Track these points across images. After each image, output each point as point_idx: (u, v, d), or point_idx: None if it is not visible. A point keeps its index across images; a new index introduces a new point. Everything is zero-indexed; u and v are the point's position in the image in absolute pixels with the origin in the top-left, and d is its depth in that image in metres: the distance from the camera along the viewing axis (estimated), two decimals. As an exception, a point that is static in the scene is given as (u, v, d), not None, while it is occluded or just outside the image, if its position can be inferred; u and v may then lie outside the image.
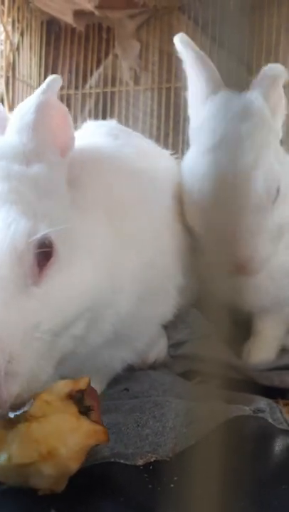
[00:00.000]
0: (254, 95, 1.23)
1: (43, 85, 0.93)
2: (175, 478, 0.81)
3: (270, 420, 0.97)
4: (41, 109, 0.90)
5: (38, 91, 0.93)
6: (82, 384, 0.80)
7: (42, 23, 2.52)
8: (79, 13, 2.40)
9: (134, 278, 0.98)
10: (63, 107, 0.96)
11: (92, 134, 1.25)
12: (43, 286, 0.78)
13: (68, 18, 2.42)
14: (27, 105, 0.92)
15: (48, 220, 0.80)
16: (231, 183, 1.11)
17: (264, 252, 1.13)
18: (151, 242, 1.05)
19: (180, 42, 1.26)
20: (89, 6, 2.28)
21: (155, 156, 1.29)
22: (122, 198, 1.01)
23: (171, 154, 1.43)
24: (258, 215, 1.12)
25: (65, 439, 0.74)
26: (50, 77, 0.94)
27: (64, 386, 0.80)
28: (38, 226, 0.78)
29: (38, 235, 0.77)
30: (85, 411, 0.79)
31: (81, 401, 0.80)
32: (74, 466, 0.75)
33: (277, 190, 1.15)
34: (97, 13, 2.32)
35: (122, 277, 0.94)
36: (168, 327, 1.36)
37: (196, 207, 1.19)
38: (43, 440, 0.73)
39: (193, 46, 1.26)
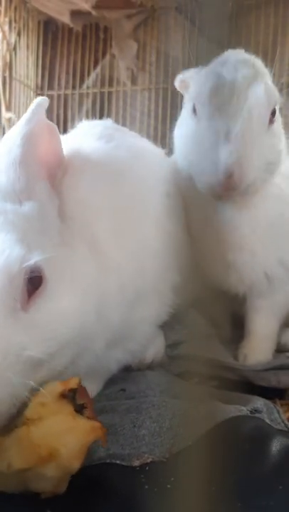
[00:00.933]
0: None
1: (29, 113, 0.91)
2: (172, 479, 0.81)
3: (268, 421, 0.97)
4: (27, 140, 0.89)
5: (23, 120, 0.91)
6: (73, 383, 0.80)
7: (39, 23, 2.52)
8: (76, 13, 2.40)
9: (121, 289, 0.98)
10: (52, 126, 0.95)
11: (86, 135, 1.24)
12: (31, 312, 0.78)
13: (65, 18, 2.41)
14: (13, 138, 0.90)
15: (39, 251, 0.81)
16: (230, 89, 1.11)
17: (252, 167, 1.08)
18: (140, 249, 1.05)
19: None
20: (86, 6, 2.27)
21: (150, 155, 1.28)
22: (107, 213, 1.00)
23: (166, 153, 1.42)
24: (254, 124, 1.10)
25: (64, 439, 0.74)
26: (36, 102, 0.92)
27: (56, 387, 0.79)
28: (30, 254, 0.80)
29: (30, 262, 0.79)
30: (79, 409, 0.79)
31: (74, 400, 0.80)
32: (75, 464, 0.74)
33: (274, 113, 1.15)
34: (94, 13, 2.32)
35: (108, 297, 0.94)
36: (165, 327, 1.36)
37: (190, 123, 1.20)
38: (43, 442, 0.73)
39: None
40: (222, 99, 1.11)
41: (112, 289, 0.95)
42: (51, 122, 0.95)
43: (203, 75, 1.21)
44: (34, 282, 0.79)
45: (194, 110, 1.18)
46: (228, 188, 1.07)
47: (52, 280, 0.81)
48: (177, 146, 1.29)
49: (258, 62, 1.24)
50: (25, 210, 0.87)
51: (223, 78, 1.13)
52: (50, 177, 0.93)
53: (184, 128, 1.26)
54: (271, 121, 1.16)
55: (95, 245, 0.94)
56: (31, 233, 0.84)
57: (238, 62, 1.18)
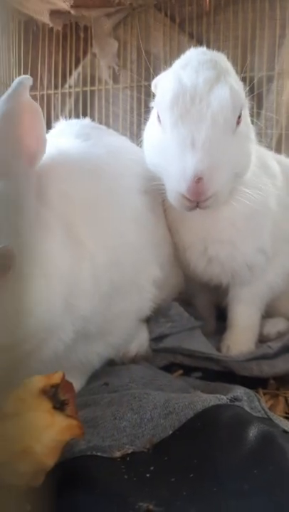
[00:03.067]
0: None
1: (9, 91, 0.90)
2: (151, 468, 0.82)
3: (247, 408, 0.98)
4: (7, 118, 0.88)
5: (4, 97, 0.90)
6: (55, 378, 0.81)
7: (19, 23, 2.51)
8: (55, 13, 2.40)
9: (96, 282, 0.98)
10: (35, 107, 0.93)
11: (63, 134, 1.24)
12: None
13: (45, 18, 2.41)
14: None
15: (9, 231, 0.81)
16: (192, 95, 1.07)
17: (220, 173, 1.06)
18: (115, 243, 1.05)
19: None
20: (64, 6, 2.27)
21: (127, 153, 1.29)
22: (84, 205, 1.01)
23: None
24: (219, 130, 1.07)
25: (39, 436, 0.75)
26: (17, 80, 0.90)
27: (38, 381, 0.80)
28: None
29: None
30: (59, 406, 0.80)
31: (55, 396, 0.80)
32: (50, 462, 0.75)
33: (240, 116, 1.12)
34: (73, 12, 2.32)
35: (81, 287, 0.95)
36: (149, 321, 1.37)
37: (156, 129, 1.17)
38: (17, 438, 0.73)
39: None
40: (184, 106, 1.07)
41: (85, 279, 0.95)
42: (35, 103, 0.93)
43: (165, 80, 1.16)
44: (3, 264, 0.79)
45: (158, 118, 1.15)
46: (198, 195, 1.04)
47: (21, 262, 0.81)
48: (145, 153, 1.25)
49: (222, 61, 1.19)
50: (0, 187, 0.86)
51: (184, 83, 1.10)
52: (29, 157, 0.91)
53: (150, 136, 1.23)
54: (238, 122, 1.12)
55: (71, 234, 0.94)
56: (4, 213, 0.83)
57: (200, 63, 1.14)
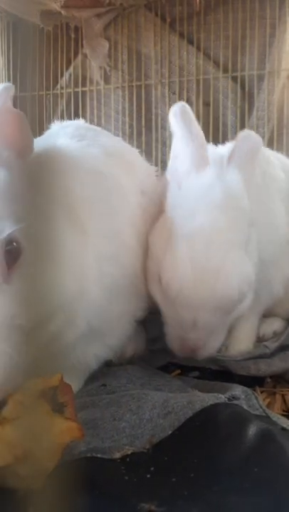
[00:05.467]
0: (233, 176, 1.17)
1: None
2: (152, 469, 0.82)
3: (245, 407, 0.99)
4: None
5: None
6: (54, 381, 0.81)
7: (8, 24, 2.50)
8: (46, 14, 2.40)
9: (100, 272, 1.00)
10: (18, 113, 0.95)
11: (58, 135, 1.24)
12: (14, 284, 0.79)
13: (35, 19, 2.40)
14: None
15: (12, 220, 0.80)
16: (199, 278, 1.07)
17: (215, 344, 1.16)
18: (112, 239, 1.06)
19: (173, 115, 1.20)
20: (55, 6, 2.27)
21: (122, 153, 1.29)
22: (86, 200, 1.02)
23: (140, 152, 1.43)
24: (220, 316, 1.12)
25: (39, 439, 0.74)
26: (1, 86, 0.94)
27: (36, 384, 0.80)
28: (2, 226, 0.79)
29: (4, 234, 0.78)
30: (58, 408, 0.80)
31: (54, 398, 0.80)
32: (50, 465, 0.75)
33: (246, 293, 1.13)
34: (63, 12, 2.31)
35: (88, 272, 0.96)
36: (146, 321, 1.37)
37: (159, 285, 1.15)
38: (18, 442, 0.73)
39: (186, 120, 1.20)
40: (188, 287, 1.07)
41: (90, 265, 0.97)
42: (18, 110, 0.96)
43: (174, 258, 1.11)
44: (13, 252, 0.79)
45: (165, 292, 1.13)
46: (191, 356, 1.15)
47: (29, 249, 0.81)
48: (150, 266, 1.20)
49: (239, 209, 1.13)
50: None
51: (195, 262, 1.07)
52: (18, 151, 0.93)
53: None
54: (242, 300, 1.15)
55: (75, 224, 0.95)
56: (1, 201, 0.83)
57: (213, 232, 1.08)
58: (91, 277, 0.97)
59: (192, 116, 1.21)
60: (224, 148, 1.46)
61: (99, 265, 0.99)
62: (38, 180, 0.95)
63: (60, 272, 0.87)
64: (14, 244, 0.80)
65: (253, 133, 1.23)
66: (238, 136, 1.23)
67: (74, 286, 0.91)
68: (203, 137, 1.21)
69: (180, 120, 1.19)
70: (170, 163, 1.27)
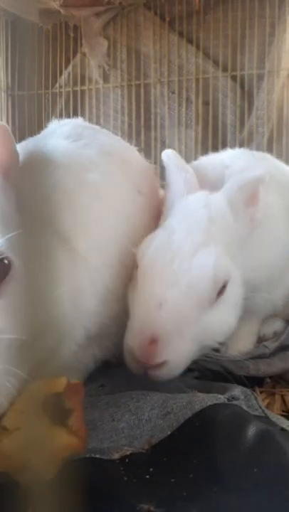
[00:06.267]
0: (219, 201, 1.17)
1: None
2: (151, 470, 0.82)
3: (245, 407, 0.98)
4: None
5: None
6: (58, 386, 0.78)
7: (7, 23, 2.50)
8: (45, 12, 2.39)
9: (92, 282, 1.00)
10: (2, 127, 0.94)
11: (53, 134, 1.23)
12: (5, 298, 0.79)
13: (34, 18, 2.40)
14: None
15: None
16: (173, 254, 1.04)
17: (177, 345, 0.99)
18: (106, 245, 1.07)
19: (166, 157, 1.29)
20: (54, 5, 2.26)
21: (120, 152, 1.29)
22: (71, 210, 1.02)
23: (138, 150, 1.43)
24: (192, 300, 1.01)
25: (38, 452, 0.73)
26: None
27: (39, 390, 0.77)
28: None
29: None
30: (63, 415, 0.77)
31: (59, 405, 0.77)
32: (48, 476, 0.73)
33: (224, 286, 1.06)
34: (62, 11, 2.31)
35: (81, 284, 0.97)
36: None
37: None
38: (16, 454, 0.72)
39: (176, 160, 1.29)
40: (162, 263, 1.04)
41: (83, 280, 0.97)
42: (3, 123, 0.95)
43: (153, 235, 1.12)
44: (1, 269, 0.80)
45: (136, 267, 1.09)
46: (146, 358, 0.97)
47: (19, 263, 0.82)
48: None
49: (219, 221, 1.13)
50: None
51: (171, 240, 1.07)
52: (4, 171, 0.93)
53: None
54: (221, 292, 1.06)
55: (63, 239, 0.95)
56: None
57: (195, 223, 1.10)
58: (84, 290, 0.97)
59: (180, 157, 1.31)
60: (225, 155, 1.48)
61: (91, 278, 0.99)
62: (23, 192, 0.95)
63: (53, 286, 0.87)
64: (5, 260, 0.80)
65: (253, 172, 1.21)
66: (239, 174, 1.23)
67: (68, 298, 0.91)
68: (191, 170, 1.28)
69: (173, 160, 1.29)
70: (165, 193, 1.31)
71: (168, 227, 1.14)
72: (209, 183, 1.26)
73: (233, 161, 1.39)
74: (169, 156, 1.29)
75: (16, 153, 0.96)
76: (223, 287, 1.07)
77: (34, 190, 0.97)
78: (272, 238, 1.28)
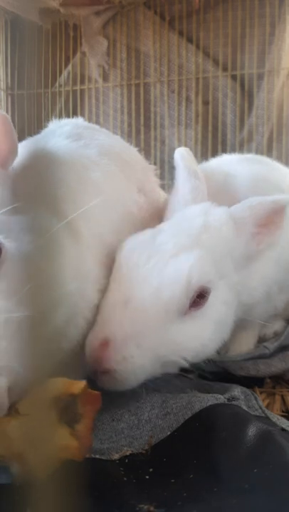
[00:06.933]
0: (221, 214, 1.10)
1: None
2: (150, 470, 0.81)
3: (245, 407, 0.98)
4: None
5: None
6: (76, 388, 0.76)
7: (6, 22, 2.49)
8: (45, 11, 2.39)
9: (96, 272, 1.00)
10: (2, 116, 0.94)
11: (53, 134, 1.23)
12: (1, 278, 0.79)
13: (34, 17, 2.39)
14: None
15: None
16: (152, 254, 0.99)
17: (133, 354, 0.90)
18: (109, 239, 1.06)
19: (179, 156, 1.21)
20: (54, 4, 2.26)
21: (120, 152, 1.29)
22: (78, 206, 1.02)
23: (138, 149, 1.43)
24: (160, 305, 0.93)
25: (36, 447, 0.71)
26: None
27: (57, 387, 0.76)
28: None
29: None
30: (73, 418, 0.76)
31: (72, 407, 0.76)
32: (40, 475, 0.72)
33: (204, 297, 0.97)
34: (62, 10, 2.31)
35: (85, 268, 0.97)
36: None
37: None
38: (17, 440, 0.72)
39: (189, 162, 1.20)
40: (137, 261, 0.98)
41: (90, 268, 0.97)
42: (3, 112, 0.95)
43: (140, 233, 1.06)
44: None
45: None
46: (94, 359, 0.90)
47: (16, 246, 0.82)
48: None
49: (214, 231, 1.04)
50: None
51: (154, 239, 1.01)
52: (1, 161, 0.93)
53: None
54: (197, 304, 0.96)
55: (71, 228, 0.95)
56: None
57: (186, 227, 1.03)
58: (89, 280, 0.97)
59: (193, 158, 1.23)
60: (228, 160, 1.45)
61: (95, 267, 1.00)
62: (24, 187, 0.95)
63: (59, 270, 0.88)
64: None
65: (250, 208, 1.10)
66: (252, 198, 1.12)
67: (73, 283, 0.91)
68: (202, 176, 1.19)
69: (186, 160, 1.21)
70: (170, 197, 1.24)
71: (158, 227, 1.09)
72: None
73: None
74: (182, 155, 1.21)
75: (15, 142, 0.96)
76: (202, 298, 0.97)
77: (36, 186, 0.97)
78: (274, 261, 1.19)
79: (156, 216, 1.29)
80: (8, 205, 0.88)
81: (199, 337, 0.98)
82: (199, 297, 0.96)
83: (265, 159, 1.59)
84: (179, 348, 0.96)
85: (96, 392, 0.79)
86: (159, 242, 1.01)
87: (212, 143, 2.31)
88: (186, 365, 0.98)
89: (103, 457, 0.85)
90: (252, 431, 0.85)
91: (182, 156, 1.21)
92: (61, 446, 0.74)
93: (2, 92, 2.48)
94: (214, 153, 1.53)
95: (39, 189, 0.97)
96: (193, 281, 0.94)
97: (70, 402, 0.76)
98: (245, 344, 1.39)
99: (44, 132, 1.31)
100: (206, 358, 1.03)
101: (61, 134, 1.22)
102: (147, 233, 1.06)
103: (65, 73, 2.55)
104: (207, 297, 0.97)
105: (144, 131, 2.45)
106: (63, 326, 0.90)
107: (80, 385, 0.77)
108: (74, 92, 2.53)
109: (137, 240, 1.04)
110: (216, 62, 2.32)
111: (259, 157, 1.63)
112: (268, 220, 1.08)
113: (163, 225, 1.11)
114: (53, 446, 0.73)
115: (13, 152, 0.96)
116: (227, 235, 1.06)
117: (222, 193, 1.20)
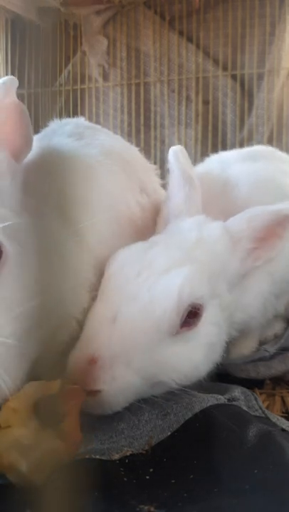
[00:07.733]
0: (216, 228, 1.05)
1: None
2: (151, 470, 0.81)
3: (245, 408, 0.98)
4: None
5: None
6: (52, 388, 0.77)
7: (6, 21, 2.49)
8: (45, 11, 2.39)
9: (96, 272, 1.00)
10: (20, 107, 0.93)
11: (55, 134, 1.24)
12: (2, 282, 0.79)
13: (34, 16, 2.39)
14: None
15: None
16: (142, 268, 0.95)
17: (122, 375, 0.86)
18: (111, 240, 1.07)
19: (173, 156, 1.16)
20: (54, 3, 2.26)
21: (121, 151, 1.29)
22: (80, 203, 1.03)
23: (138, 149, 1.43)
24: (150, 323, 0.89)
25: (25, 454, 0.72)
26: (2, 80, 0.91)
27: (34, 392, 0.77)
28: None
29: None
30: (56, 419, 0.76)
31: (52, 408, 0.76)
32: (37, 479, 0.72)
33: (196, 316, 0.93)
34: (62, 9, 2.31)
35: (80, 272, 0.97)
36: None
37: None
38: (5, 452, 0.71)
39: (184, 165, 1.15)
40: (127, 275, 0.94)
41: (87, 270, 0.98)
42: (21, 103, 0.94)
43: (131, 245, 1.03)
44: None
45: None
46: (80, 377, 0.84)
47: (14, 252, 0.81)
48: None
49: (208, 247, 1.00)
50: None
51: (146, 253, 0.98)
52: (15, 154, 0.92)
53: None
54: (189, 324, 0.93)
55: (71, 228, 0.96)
56: None
57: (179, 240, 0.99)
58: (84, 281, 0.98)
59: (188, 160, 1.17)
60: (228, 159, 1.42)
61: (96, 268, 1.00)
62: (32, 183, 0.95)
63: (44, 273, 0.86)
64: None
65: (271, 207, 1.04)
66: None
67: (60, 284, 0.91)
68: (198, 182, 1.14)
69: (181, 161, 1.16)
70: (163, 206, 1.21)
71: (150, 240, 1.05)
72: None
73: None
74: (177, 157, 1.15)
75: (30, 138, 0.95)
76: (194, 317, 0.94)
77: (45, 183, 0.97)
78: (268, 274, 1.14)
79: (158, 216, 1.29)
80: (18, 200, 0.88)
81: (190, 359, 0.95)
82: (191, 317, 0.93)
83: (267, 151, 1.54)
84: (169, 368, 0.92)
85: (75, 386, 0.79)
86: (150, 256, 0.98)
87: (212, 142, 2.31)
88: (176, 387, 0.94)
89: (103, 457, 0.84)
90: (252, 431, 0.85)
91: (177, 158, 1.16)
92: (48, 450, 0.74)
93: (2, 92, 2.48)
94: (214, 153, 1.52)
95: (48, 187, 0.97)
96: (184, 298, 0.91)
97: (49, 403, 0.76)
98: (246, 347, 1.38)
99: (45, 131, 1.31)
100: (197, 380, 0.99)
101: (62, 133, 1.22)
102: (138, 246, 1.02)
103: (65, 72, 2.55)
104: (199, 317, 0.94)
105: (144, 131, 2.45)
106: (54, 331, 0.91)
107: (56, 384, 0.77)
108: (74, 91, 2.53)
109: (127, 253, 1.00)
110: (216, 61, 2.32)
111: (261, 149, 1.59)
112: (268, 233, 1.03)
113: (155, 238, 1.07)
114: (41, 453, 0.73)
115: (28, 146, 0.95)
116: (221, 252, 1.02)
117: (221, 202, 1.17)
